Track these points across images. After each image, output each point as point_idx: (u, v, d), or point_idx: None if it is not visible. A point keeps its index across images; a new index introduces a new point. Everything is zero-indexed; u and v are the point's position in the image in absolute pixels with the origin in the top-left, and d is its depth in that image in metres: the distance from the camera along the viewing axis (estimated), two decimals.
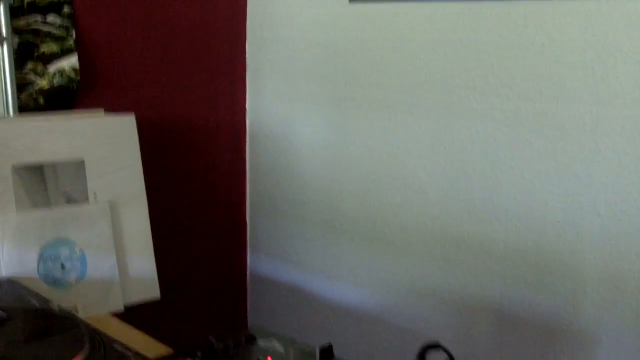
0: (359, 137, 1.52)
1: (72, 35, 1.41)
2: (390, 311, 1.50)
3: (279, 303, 1.75)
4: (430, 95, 1.38)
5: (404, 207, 1.45)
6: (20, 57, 1.35)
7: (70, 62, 1.41)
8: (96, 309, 1.21)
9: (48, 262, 1.19)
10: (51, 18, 1.39)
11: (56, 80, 1.40)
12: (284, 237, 1.71)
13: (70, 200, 1.25)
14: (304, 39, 1.60)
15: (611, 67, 1.13)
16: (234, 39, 1.71)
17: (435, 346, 0.74)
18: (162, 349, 0.99)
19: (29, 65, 1.37)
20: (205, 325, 1.73)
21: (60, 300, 1.07)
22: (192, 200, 1.68)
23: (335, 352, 0.82)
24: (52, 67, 1.39)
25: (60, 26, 1.40)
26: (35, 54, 1.38)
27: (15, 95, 1.34)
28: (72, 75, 1.41)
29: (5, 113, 1.34)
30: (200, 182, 1.70)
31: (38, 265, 1.18)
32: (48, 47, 1.39)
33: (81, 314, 1.17)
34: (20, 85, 1.36)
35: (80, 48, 1.43)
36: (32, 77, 1.37)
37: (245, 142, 1.77)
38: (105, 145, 1.30)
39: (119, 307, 1.25)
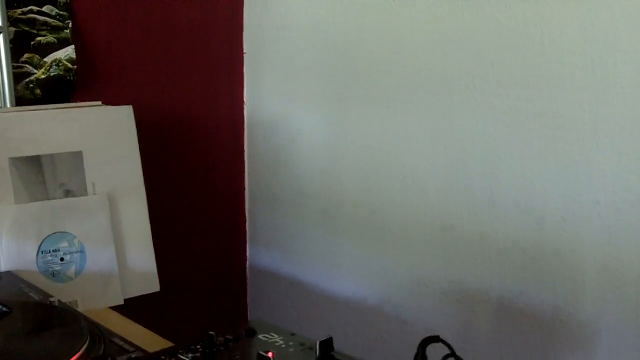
0: (358, 128, 1.51)
1: (68, 26, 1.40)
2: (390, 303, 1.50)
3: (278, 296, 1.75)
4: (429, 93, 1.37)
5: (403, 197, 1.45)
6: (16, 48, 1.35)
7: (67, 52, 1.40)
8: (95, 302, 1.21)
9: (47, 255, 1.19)
10: (47, 8, 1.38)
11: (53, 71, 1.39)
12: (283, 230, 1.71)
13: (68, 192, 1.24)
14: (302, 36, 1.59)
15: (611, 66, 1.13)
16: (233, 33, 1.70)
17: (435, 340, 0.74)
18: (161, 343, 0.99)
19: (25, 56, 1.36)
20: (205, 318, 1.73)
21: (59, 293, 1.07)
22: (190, 194, 1.68)
23: (335, 344, 0.82)
24: (49, 58, 1.39)
25: (56, 16, 1.39)
26: (32, 45, 1.37)
27: (12, 87, 1.34)
28: (69, 65, 1.41)
29: (2, 104, 1.33)
30: (199, 176, 1.69)
31: (37, 258, 1.18)
32: (44, 38, 1.38)
33: (80, 307, 1.17)
34: (17, 76, 1.35)
35: (77, 38, 1.43)
36: (28, 67, 1.37)
37: (243, 133, 1.76)
38: (103, 136, 1.29)
39: (119, 300, 1.25)
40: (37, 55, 1.37)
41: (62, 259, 1.20)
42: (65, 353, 0.81)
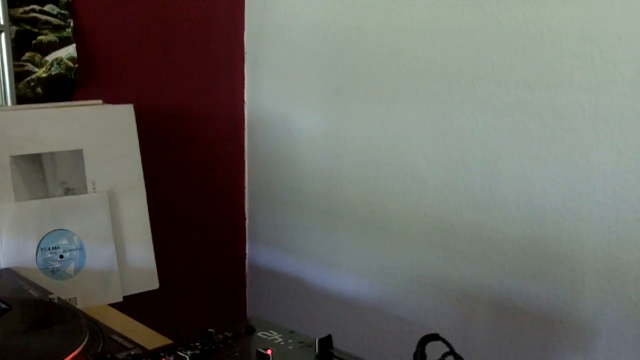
0: (358, 127, 1.51)
1: (70, 25, 1.41)
2: (390, 301, 1.50)
3: (278, 293, 1.75)
4: (429, 84, 1.37)
5: (403, 196, 1.45)
6: (17, 47, 1.35)
7: (68, 51, 1.40)
8: (95, 300, 1.21)
9: (47, 252, 1.19)
10: (49, 7, 1.38)
11: (54, 69, 1.39)
12: (282, 227, 1.71)
13: (68, 190, 1.24)
14: (302, 35, 1.59)
15: (610, 56, 1.13)
16: (233, 33, 1.70)
17: (434, 338, 0.74)
18: (160, 340, 0.99)
19: (27, 55, 1.36)
20: (204, 316, 1.73)
21: (59, 290, 1.07)
22: (190, 191, 1.68)
23: (335, 342, 0.82)
24: (50, 57, 1.39)
25: (58, 15, 1.39)
26: (33, 43, 1.37)
27: (13, 85, 1.34)
28: (70, 64, 1.41)
29: (3, 103, 1.34)
30: (198, 173, 1.69)
31: (37, 255, 1.18)
32: (46, 37, 1.38)
33: (80, 305, 1.17)
34: (18, 75, 1.35)
35: (78, 37, 1.43)
36: (29, 66, 1.37)
37: (243, 132, 1.76)
38: (104, 134, 1.29)
39: (118, 297, 1.25)
40: (38, 54, 1.38)
41: (61, 257, 1.21)
42: (64, 350, 0.81)
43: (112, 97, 1.44)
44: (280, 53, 1.66)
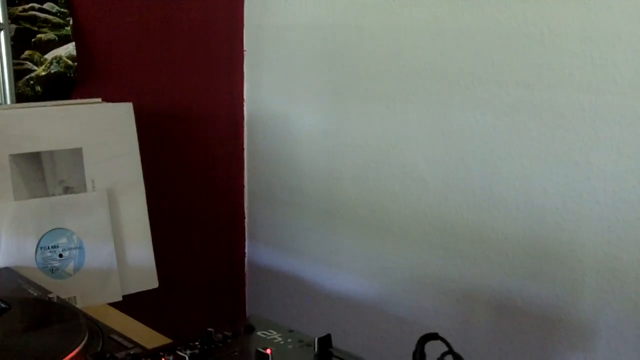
0: (358, 126, 1.51)
1: (69, 23, 1.40)
2: (389, 300, 1.50)
3: (277, 293, 1.75)
4: (429, 83, 1.37)
5: (403, 196, 1.45)
6: (17, 45, 1.35)
7: (67, 50, 1.40)
8: (94, 299, 1.21)
9: (46, 251, 1.19)
10: (48, 5, 1.38)
11: (53, 68, 1.39)
12: (282, 226, 1.71)
13: (67, 189, 1.24)
14: (302, 35, 1.59)
15: (610, 55, 1.13)
16: (233, 32, 1.70)
17: (434, 337, 0.74)
18: (160, 339, 0.99)
19: (26, 53, 1.36)
20: (204, 315, 1.73)
21: (58, 289, 1.07)
22: (190, 191, 1.68)
23: (334, 342, 0.82)
24: (49, 55, 1.39)
25: (57, 13, 1.39)
26: (33, 42, 1.37)
27: (13, 83, 1.34)
28: (70, 62, 1.41)
29: (3, 101, 1.33)
30: (198, 172, 1.69)
31: (36, 254, 1.18)
32: (45, 35, 1.38)
33: (79, 304, 1.17)
34: (17, 73, 1.35)
35: (77, 36, 1.43)
36: (29, 64, 1.37)
37: (243, 130, 1.76)
38: (103, 132, 1.29)
39: (117, 296, 1.25)
40: (37, 52, 1.37)
41: (61, 255, 1.20)
42: (63, 349, 0.80)
43: (112, 96, 1.44)
44: (280, 53, 1.66)
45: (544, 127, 1.22)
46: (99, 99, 1.38)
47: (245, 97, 1.75)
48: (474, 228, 1.33)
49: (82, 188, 1.25)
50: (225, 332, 0.84)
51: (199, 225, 1.71)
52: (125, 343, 0.85)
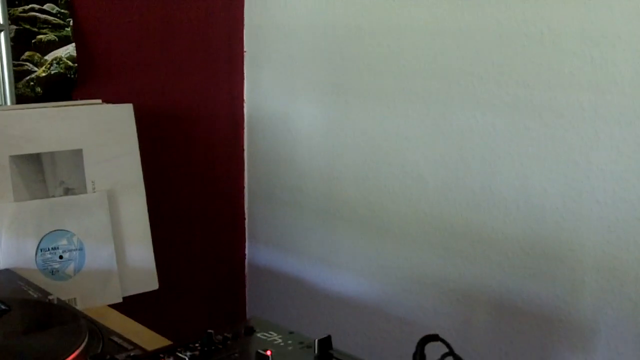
0: (358, 126, 1.51)
1: (69, 24, 1.40)
2: (389, 301, 1.50)
3: (277, 294, 1.75)
4: (428, 83, 1.37)
5: (403, 195, 1.45)
6: (17, 46, 1.35)
7: (67, 51, 1.40)
8: (94, 300, 1.21)
9: (46, 252, 1.19)
10: (48, 6, 1.38)
11: (53, 69, 1.39)
12: (282, 226, 1.71)
13: (68, 190, 1.24)
14: (302, 35, 1.59)
15: (610, 55, 1.13)
16: (233, 32, 1.70)
17: (434, 338, 0.74)
18: (160, 341, 0.99)
19: (26, 54, 1.36)
20: (204, 316, 1.73)
21: (58, 291, 1.07)
22: (190, 192, 1.68)
23: (334, 343, 0.82)
24: (50, 56, 1.39)
25: (57, 14, 1.39)
26: (33, 43, 1.37)
27: (13, 85, 1.34)
28: (70, 63, 1.41)
29: (3, 102, 1.33)
30: (198, 174, 1.69)
31: (36, 256, 1.18)
32: (45, 36, 1.38)
33: (79, 305, 1.17)
34: (18, 74, 1.35)
35: (78, 37, 1.43)
36: (29, 65, 1.37)
37: (243, 131, 1.76)
38: (103, 134, 1.29)
39: (118, 298, 1.25)
40: (37, 54, 1.37)
41: (61, 257, 1.20)
42: (64, 351, 0.81)
43: (112, 97, 1.44)
44: (280, 53, 1.66)
45: (544, 127, 1.22)
46: (99, 100, 1.38)
47: (245, 97, 1.75)
48: (473, 228, 1.33)
49: (83, 189, 1.25)
50: (226, 334, 0.84)
51: (199, 226, 1.71)
52: (126, 345, 0.86)
